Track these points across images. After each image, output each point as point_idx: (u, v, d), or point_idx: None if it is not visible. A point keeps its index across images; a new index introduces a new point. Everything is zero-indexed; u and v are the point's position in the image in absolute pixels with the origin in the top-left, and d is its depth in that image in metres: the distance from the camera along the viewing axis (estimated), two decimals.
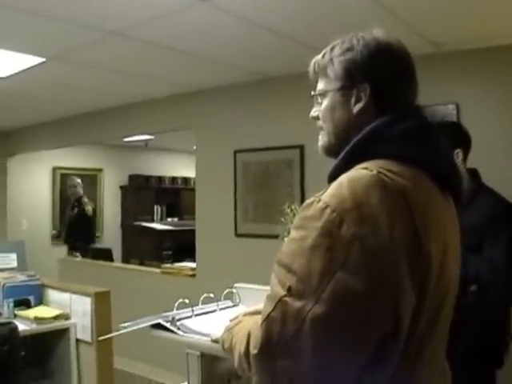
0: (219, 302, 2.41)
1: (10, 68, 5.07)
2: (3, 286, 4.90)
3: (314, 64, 1.64)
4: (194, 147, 6.62)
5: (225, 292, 2.50)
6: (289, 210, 2.83)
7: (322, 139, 1.63)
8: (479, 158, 3.39)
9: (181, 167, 12.23)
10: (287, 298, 1.28)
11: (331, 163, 1.52)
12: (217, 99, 6.17)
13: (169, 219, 11.89)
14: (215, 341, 1.85)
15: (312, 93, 1.66)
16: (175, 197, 12.17)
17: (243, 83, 5.81)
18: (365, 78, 1.51)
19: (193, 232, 6.53)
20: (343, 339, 1.25)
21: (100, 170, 11.08)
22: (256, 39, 4.38)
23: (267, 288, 1.58)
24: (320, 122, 1.63)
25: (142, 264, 8.18)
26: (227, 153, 6.00)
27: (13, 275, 5.16)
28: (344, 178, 1.37)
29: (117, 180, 11.44)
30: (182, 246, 9.52)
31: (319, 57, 1.63)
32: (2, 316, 4.76)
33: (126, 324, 2.14)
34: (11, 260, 5.71)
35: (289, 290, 1.28)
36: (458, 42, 4.31)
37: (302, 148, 5.30)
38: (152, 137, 9.37)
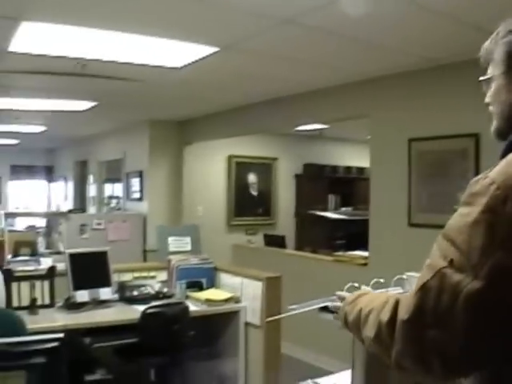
0: (389, 288, 2.33)
1: (184, 58, 5.21)
2: (177, 268, 5.07)
3: (483, 50, 1.62)
4: (368, 136, 6.53)
5: (395, 278, 2.42)
6: None
7: (493, 124, 1.60)
8: None
9: (355, 157, 12.09)
10: (447, 270, 1.26)
11: None
12: (389, 87, 6.03)
13: (342, 209, 11.80)
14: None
15: (480, 78, 1.64)
16: (349, 186, 12.04)
17: (416, 70, 5.64)
18: None
19: (366, 221, 6.45)
20: (496, 319, 1.21)
21: (275, 159, 11.17)
22: (428, 24, 4.21)
23: None
24: (491, 108, 1.60)
25: (314, 252, 8.19)
26: (401, 141, 5.85)
27: (186, 258, 5.32)
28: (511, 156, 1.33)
29: (291, 169, 11.49)
30: (355, 236, 9.43)
31: (487, 42, 1.60)
32: (174, 296, 4.92)
33: (295, 306, 2.13)
34: (185, 243, 5.89)
35: (450, 262, 1.26)
36: None
37: (477, 136, 5.05)
38: (326, 126, 9.32)
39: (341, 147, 12.21)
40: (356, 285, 2.17)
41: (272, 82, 6.50)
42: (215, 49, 4.89)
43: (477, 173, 4.87)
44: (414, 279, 2.44)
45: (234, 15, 4.04)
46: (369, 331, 1.48)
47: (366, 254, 6.45)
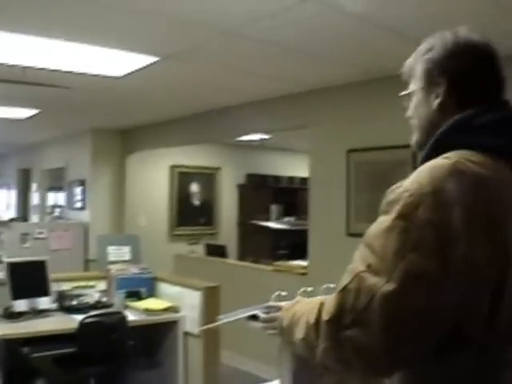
0: (319, 297, 2.37)
1: (124, 67, 5.22)
2: (116, 278, 5.08)
3: (405, 66, 1.79)
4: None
5: (323, 287, 2.48)
6: None
7: (413, 136, 1.74)
8: None
9: (298, 167, 12.17)
10: (365, 274, 1.35)
11: None
12: (330, 98, 6.12)
13: (285, 218, 11.86)
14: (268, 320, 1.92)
15: (401, 93, 1.80)
16: (292, 196, 12.10)
17: (356, 82, 5.74)
18: (442, 74, 1.61)
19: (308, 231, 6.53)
20: (409, 319, 1.30)
21: (218, 169, 11.20)
22: (368, 37, 4.31)
23: None
24: (412, 121, 1.75)
25: (256, 262, 8.22)
26: (340, 152, 5.94)
27: (125, 267, 5.33)
28: (425, 166, 1.45)
29: (234, 178, 11.53)
30: (298, 246, 9.48)
31: (410, 59, 1.77)
32: (113, 306, 4.92)
33: (223, 315, 2.16)
34: (125, 253, 5.90)
35: (368, 266, 1.36)
36: None
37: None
38: (269, 136, 9.40)
39: (284, 157, 12.33)
40: (283, 293, 2.21)
41: (215, 92, 6.54)
42: (155, 58, 4.91)
43: None
44: None
45: (175, 25, 4.07)
46: (298, 334, 1.56)
47: (305, 263, 6.51)
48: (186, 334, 4.89)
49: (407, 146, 5.19)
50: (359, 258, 1.41)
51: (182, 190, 10.67)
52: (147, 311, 4.83)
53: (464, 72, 1.60)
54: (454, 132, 1.52)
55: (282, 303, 1.91)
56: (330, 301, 1.43)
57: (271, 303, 2.03)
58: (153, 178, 10.24)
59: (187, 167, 10.69)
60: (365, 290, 1.33)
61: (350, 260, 4.74)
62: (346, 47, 4.64)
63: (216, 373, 4.89)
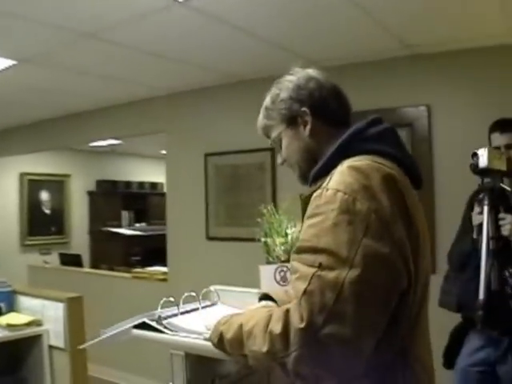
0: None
1: None
2: None
3: (260, 124, 1.96)
4: (163, 151, 6.58)
5: (203, 291, 2.49)
6: (265, 211, 2.83)
7: (296, 173, 1.88)
8: (450, 158, 3.44)
9: (148, 172, 12.22)
10: (320, 272, 1.44)
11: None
12: (188, 102, 6.15)
13: (137, 224, 11.82)
14: (208, 339, 1.80)
15: (270, 143, 1.96)
16: (143, 202, 12.12)
17: (215, 86, 5.81)
18: (301, 104, 1.80)
19: (162, 237, 6.52)
20: (378, 296, 1.43)
21: (68, 176, 10.95)
22: (229, 41, 4.37)
23: (242, 289, 2.02)
24: (288, 163, 1.89)
25: (111, 269, 8.12)
26: (198, 156, 5.99)
27: None
28: (343, 167, 1.57)
29: (84, 185, 11.33)
30: (151, 251, 9.48)
31: (260, 117, 1.95)
32: None
33: (108, 329, 2.10)
34: None
35: (320, 266, 1.44)
36: (430, 44, 4.36)
37: (272, 150, 5.25)
38: (119, 142, 9.30)
39: (134, 163, 12.30)
40: (172, 299, 2.20)
41: (68, 96, 6.37)
42: (12, 62, 4.75)
43: (274, 185, 5.04)
44: (223, 292, 2.54)
45: (32, 27, 3.93)
46: (258, 345, 1.53)
47: (165, 269, 6.49)
48: (52, 347, 4.74)
49: (265, 150, 5.31)
50: (303, 265, 1.49)
51: (32, 198, 10.34)
52: (9, 326, 4.63)
53: (318, 96, 1.79)
54: (355, 139, 1.68)
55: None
56: (295, 308, 1.46)
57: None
58: (2, 187, 9.83)
59: (37, 175, 10.36)
60: (329, 285, 1.40)
61: (211, 263, 4.79)
62: (203, 51, 4.69)
63: None
